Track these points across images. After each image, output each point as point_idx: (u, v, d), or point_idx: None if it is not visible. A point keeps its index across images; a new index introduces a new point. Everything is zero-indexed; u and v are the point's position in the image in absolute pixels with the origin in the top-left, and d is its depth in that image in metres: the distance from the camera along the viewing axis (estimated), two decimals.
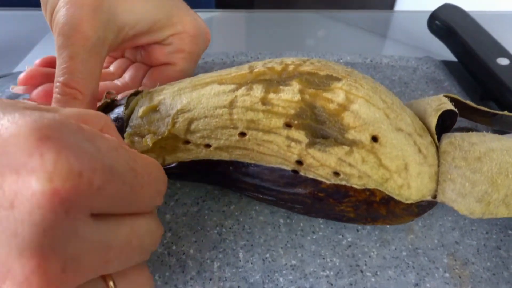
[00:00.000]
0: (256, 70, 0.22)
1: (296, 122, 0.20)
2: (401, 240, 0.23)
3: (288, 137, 0.20)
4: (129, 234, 0.15)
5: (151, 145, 0.22)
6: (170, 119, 0.22)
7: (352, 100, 0.20)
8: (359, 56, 0.39)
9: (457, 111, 0.22)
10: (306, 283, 0.21)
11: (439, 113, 0.22)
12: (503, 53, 0.33)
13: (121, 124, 0.23)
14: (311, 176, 0.21)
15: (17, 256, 0.12)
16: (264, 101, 0.21)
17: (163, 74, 0.31)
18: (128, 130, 0.23)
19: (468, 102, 0.24)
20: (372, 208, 0.20)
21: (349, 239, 0.23)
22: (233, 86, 0.22)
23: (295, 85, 0.21)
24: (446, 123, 0.23)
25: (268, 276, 0.21)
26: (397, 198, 0.20)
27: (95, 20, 0.25)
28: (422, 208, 0.20)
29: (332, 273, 0.21)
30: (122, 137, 0.23)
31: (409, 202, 0.20)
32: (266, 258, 0.22)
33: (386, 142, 0.20)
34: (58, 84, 0.24)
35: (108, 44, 0.26)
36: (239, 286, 0.21)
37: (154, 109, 0.23)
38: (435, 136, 0.22)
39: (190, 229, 0.23)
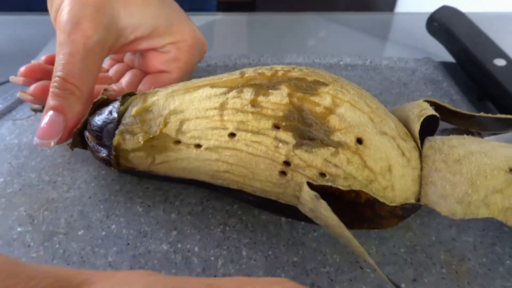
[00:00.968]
0: (247, 75, 0.23)
1: (284, 123, 0.21)
2: (400, 237, 0.23)
3: (276, 138, 0.21)
4: None
5: (142, 142, 0.23)
6: (163, 119, 0.23)
7: (338, 104, 0.21)
8: (359, 58, 0.40)
9: (438, 115, 0.23)
10: (308, 279, 0.21)
11: (421, 119, 0.22)
12: (500, 54, 0.33)
13: (113, 119, 0.24)
14: (298, 178, 0.21)
15: None
16: (253, 103, 0.21)
17: (158, 81, 0.31)
18: (120, 127, 0.24)
19: (446, 104, 0.24)
20: (358, 210, 0.21)
21: None
22: (224, 89, 0.22)
23: (284, 89, 0.22)
24: (430, 126, 0.24)
25: (271, 272, 0.22)
26: (381, 200, 0.20)
27: (97, 20, 0.26)
28: (406, 211, 0.20)
29: (332, 269, 0.22)
30: (114, 128, 0.24)
31: (393, 204, 0.20)
32: (268, 255, 0.23)
33: (371, 144, 0.20)
34: (56, 78, 0.24)
35: (108, 46, 0.27)
36: None
37: (147, 109, 0.23)
38: (419, 142, 0.22)
39: (195, 228, 0.24)
